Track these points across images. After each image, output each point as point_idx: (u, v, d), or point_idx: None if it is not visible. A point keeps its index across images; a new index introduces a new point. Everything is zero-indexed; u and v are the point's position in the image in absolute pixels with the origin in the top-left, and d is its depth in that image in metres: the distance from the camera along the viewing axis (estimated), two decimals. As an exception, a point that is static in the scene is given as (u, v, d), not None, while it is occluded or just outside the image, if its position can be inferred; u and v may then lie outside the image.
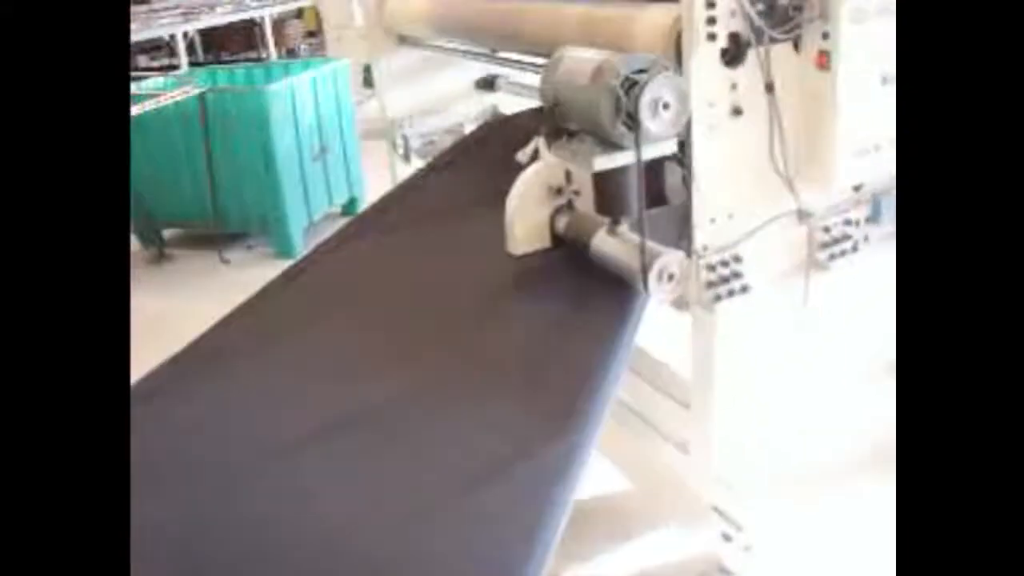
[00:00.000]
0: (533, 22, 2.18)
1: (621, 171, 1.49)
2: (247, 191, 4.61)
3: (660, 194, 1.68)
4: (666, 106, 1.38)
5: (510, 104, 3.45)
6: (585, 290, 1.69)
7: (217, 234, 4.79)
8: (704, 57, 1.61)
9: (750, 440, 1.97)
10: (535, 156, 1.69)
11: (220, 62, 10.19)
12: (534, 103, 3.14)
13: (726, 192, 1.76)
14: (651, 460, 2.34)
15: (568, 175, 1.73)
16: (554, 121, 1.54)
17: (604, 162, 1.46)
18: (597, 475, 2.35)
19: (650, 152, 1.45)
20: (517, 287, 1.73)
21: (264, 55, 9.78)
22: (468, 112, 3.51)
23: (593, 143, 1.49)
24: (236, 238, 4.94)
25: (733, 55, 1.64)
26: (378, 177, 3.71)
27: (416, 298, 1.74)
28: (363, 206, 4.98)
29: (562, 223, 1.77)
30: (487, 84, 3.48)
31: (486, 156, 2.71)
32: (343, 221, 3.92)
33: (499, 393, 1.45)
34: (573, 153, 1.51)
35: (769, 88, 1.67)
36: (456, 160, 2.80)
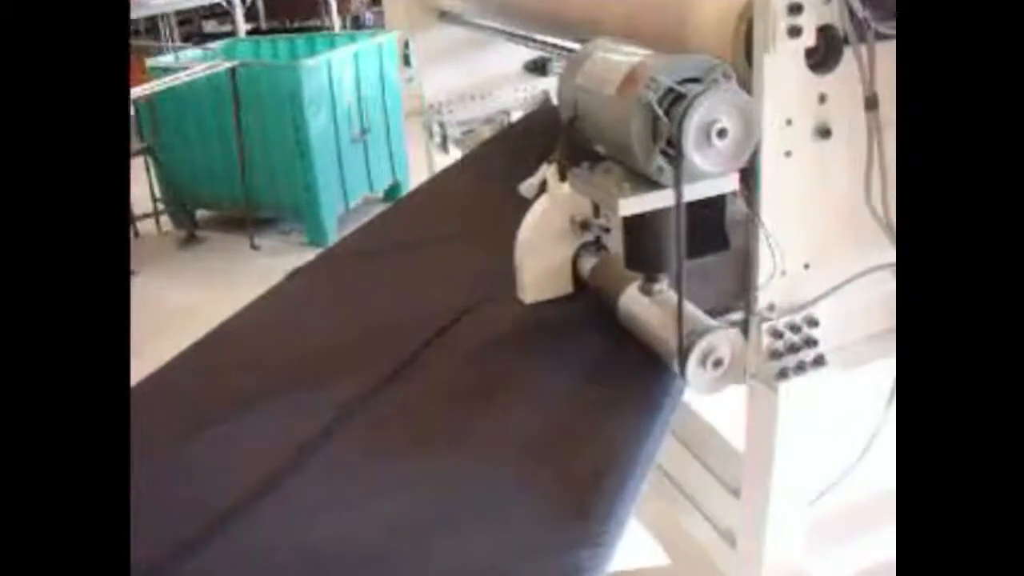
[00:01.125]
0: (573, 4, 1.77)
1: (658, 215, 1.09)
2: (279, 174, 4.29)
3: (716, 235, 1.27)
4: (722, 133, 0.97)
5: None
6: (611, 357, 1.29)
7: (249, 218, 4.49)
8: (783, 58, 1.19)
9: (812, 545, 1.56)
10: (543, 189, 1.29)
11: (284, 30, 9.92)
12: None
13: (803, 236, 1.34)
14: (691, 537, 1.94)
15: (597, 205, 1.33)
16: (572, 140, 1.14)
17: (635, 204, 1.06)
18: (628, 542, 1.97)
19: (698, 191, 1.04)
20: (528, 347, 1.34)
21: (328, 23, 9.46)
22: (515, 99, 3.12)
23: (622, 175, 1.09)
24: (269, 222, 4.64)
25: (823, 56, 1.22)
26: (426, 162, 3.35)
27: (398, 359, 1.35)
28: (407, 191, 4.62)
29: (587, 266, 1.37)
30: (538, 68, 3.09)
31: (525, 153, 2.31)
32: (384, 207, 3.59)
33: (502, 495, 1.10)
34: (595, 187, 1.11)
35: (871, 103, 1.24)
36: (490, 156, 2.41)
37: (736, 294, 1.40)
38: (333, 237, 4.27)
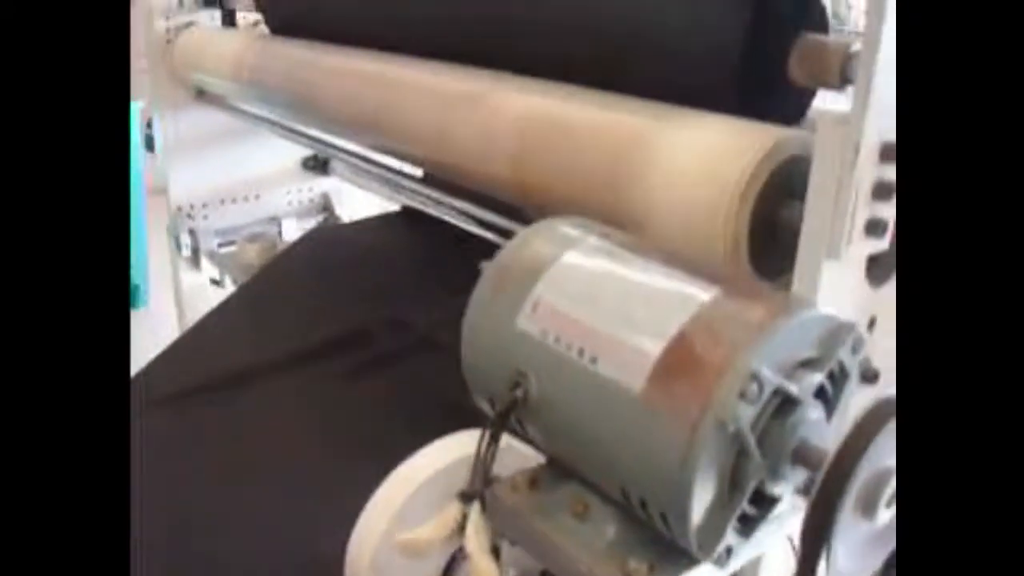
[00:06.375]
0: (458, 122, 1.14)
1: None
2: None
3: None
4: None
5: (350, 196, 2.49)
6: None
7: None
8: (848, 267, 0.69)
9: None
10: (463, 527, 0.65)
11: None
12: (386, 201, 2.14)
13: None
14: None
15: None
16: (499, 426, 0.55)
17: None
18: None
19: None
20: None
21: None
22: (288, 202, 2.50)
23: (620, 531, 0.51)
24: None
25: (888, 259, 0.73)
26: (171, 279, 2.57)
27: None
28: (148, 298, 3.73)
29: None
30: (319, 165, 2.49)
31: (306, 305, 1.65)
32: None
33: None
34: (555, 550, 0.52)
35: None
36: (257, 308, 1.71)
37: None
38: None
